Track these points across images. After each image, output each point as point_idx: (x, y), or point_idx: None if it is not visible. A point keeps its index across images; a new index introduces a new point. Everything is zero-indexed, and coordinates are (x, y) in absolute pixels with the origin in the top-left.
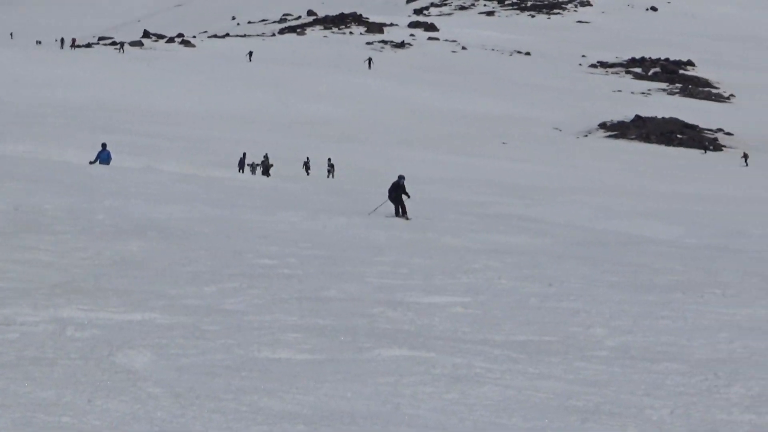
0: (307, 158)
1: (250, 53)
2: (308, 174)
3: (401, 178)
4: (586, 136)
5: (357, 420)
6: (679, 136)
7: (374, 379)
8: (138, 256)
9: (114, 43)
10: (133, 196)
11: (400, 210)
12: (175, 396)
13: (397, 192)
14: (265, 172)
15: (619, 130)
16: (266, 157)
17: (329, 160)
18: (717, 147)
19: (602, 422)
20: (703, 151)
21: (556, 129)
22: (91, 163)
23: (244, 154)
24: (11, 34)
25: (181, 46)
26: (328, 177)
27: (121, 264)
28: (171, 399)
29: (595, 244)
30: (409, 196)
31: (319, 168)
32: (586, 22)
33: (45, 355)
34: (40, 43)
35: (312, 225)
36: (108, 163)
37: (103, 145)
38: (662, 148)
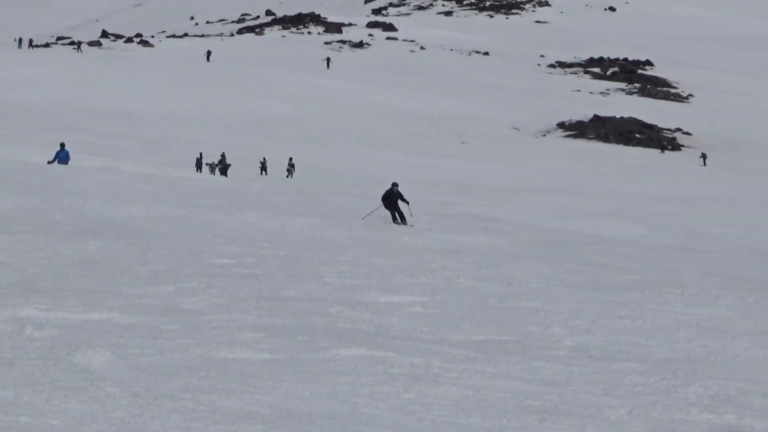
0: (264, 158)
1: (209, 53)
2: (265, 174)
3: (395, 185)
4: (545, 135)
5: (315, 420)
6: (637, 135)
7: (332, 378)
8: (96, 255)
9: (72, 43)
10: (91, 196)
11: (398, 217)
12: (134, 395)
13: (392, 200)
14: (223, 171)
15: (577, 129)
16: (223, 156)
17: (290, 159)
18: (675, 147)
19: (560, 422)
20: (660, 151)
21: (515, 129)
22: (49, 162)
23: (201, 154)
24: None
25: (140, 46)
26: (287, 177)
27: (79, 263)
28: (129, 398)
29: (555, 243)
30: (408, 202)
31: (279, 168)
32: (544, 22)
33: (3, 355)
34: None
35: (271, 225)
36: (66, 163)
37: (62, 145)
38: (621, 147)
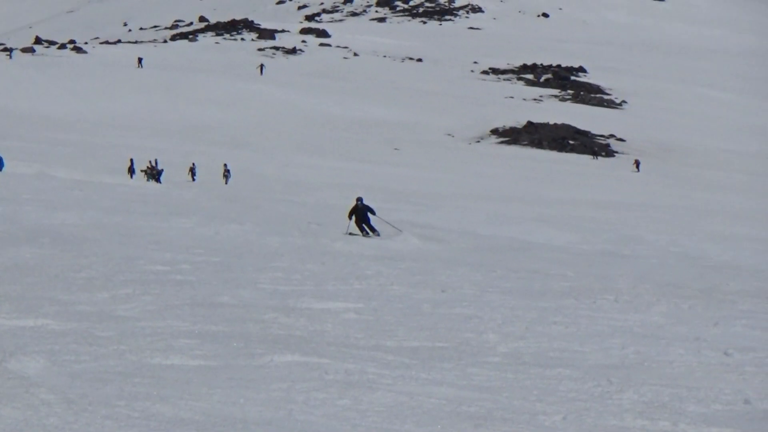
0: (193, 164)
1: (140, 59)
2: (194, 180)
3: (360, 200)
4: (479, 142)
5: (250, 426)
6: (571, 142)
7: (267, 385)
8: (30, 262)
9: (5, 49)
10: (25, 203)
11: (369, 230)
12: (68, 402)
13: (360, 215)
14: (156, 177)
15: (511, 136)
16: (155, 162)
17: (225, 165)
18: (609, 153)
19: (495, 428)
20: (593, 157)
21: (449, 135)
22: None
23: (132, 160)
24: None
25: (73, 52)
26: (226, 183)
27: (13, 270)
28: (64, 405)
29: (488, 250)
30: (375, 213)
31: (210, 173)
32: (477, 29)
33: None
34: None
35: (205, 231)
36: (0, 169)
37: None
38: (554, 153)
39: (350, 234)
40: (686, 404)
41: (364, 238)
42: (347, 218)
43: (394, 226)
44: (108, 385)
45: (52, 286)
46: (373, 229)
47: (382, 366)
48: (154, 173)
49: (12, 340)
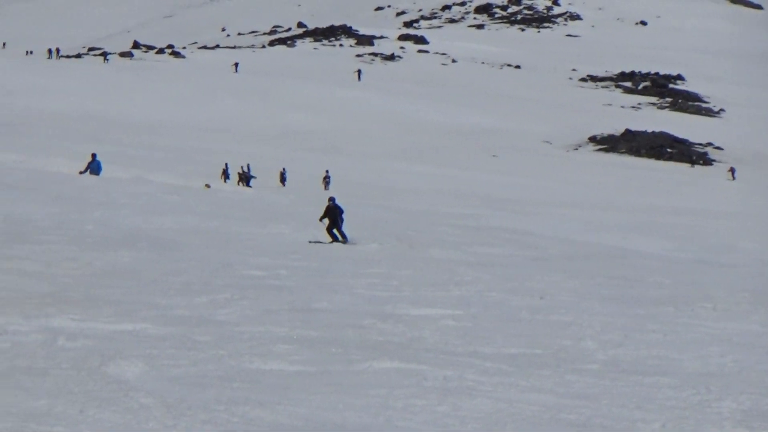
0: (283, 169)
1: (236, 64)
2: (284, 185)
3: (333, 200)
4: (576, 149)
5: None
6: (668, 150)
7: (366, 391)
8: (128, 266)
9: (102, 54)
10: (122, 207)
11: (339, 235)
12: (167, 406)
13: (334, 217)
14: (246, 182)
15: (608, 143)
16: (248, 167)
17: (326, 171)
18: (706, 161)
19: None
20: (690, 165)
21: (546, 142)
22: (81, 173)
23: (227, 165)
24: (3, 44)
25: (171, 57)
26: (326, 189)
27: (111, 274)
28: (162, 409)
29: (585, 257)
30: (342, 212)
31: (309, 179)
32: (576, 36)
33: (36, 365)
34: (31, 53)
35: (302, 236)
36: (98, 174)
37: (93, 155)
38: (652, 162)
39: (313, 242)
40: None
41: (462, 246)
42: (318, 221)
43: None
44: (207, 390)
45: (149, 290)
46: (344, 235)
47: (481, 373)
48: (245, 178)
49: (110, 345)
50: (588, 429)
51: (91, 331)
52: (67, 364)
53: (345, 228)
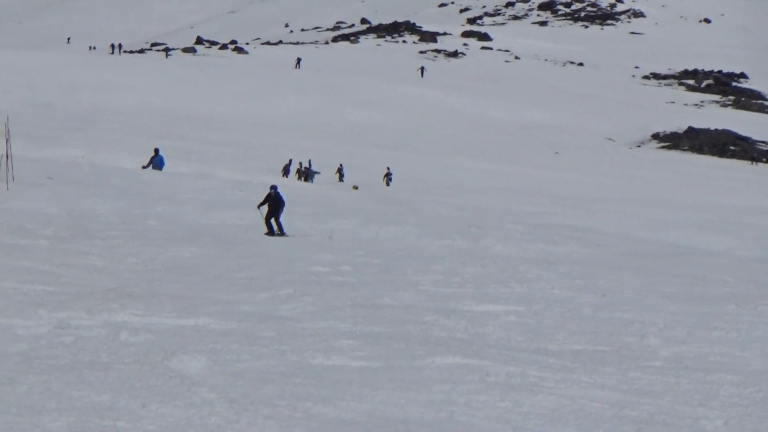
0: (341, 165)
1: (299, 60)
2: (341, 180)
3: (274, 188)
4: (639, 146)
5: (411, 428)
6: (731, 147)
7: (428, 386)
8: (191, 261)
9: (165, 50)
10: (186, 202)
11: (276, 226)
12: (230, 401)
13: (274, 206)
14: (306, 178)
15: (671, 141)
16: (309, 163)
17: (388, 168)
18: None
19: None
20: (751, 162)
21: (609, 139)
22: (144, 168)
23: (290, 161)
24: (68, 39)
25: (234, 52)
26: (387, 185)
27: (174, 269)
28: (225, 404)
29: (648, 255)
30: (283, 208)
31: (372, 175)
32: (639, 33)
33: (100, 360)
34: (94, 48)
35: (364, 233)
36: (161, 169)
37: (156, 150)
38: (715, 159)
39: (268, 234)
40: None
41: (525, 243)
42: (257, 208)
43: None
44: (269, 385)
45: (213, 286)
46: (281, 227)
47: (544, 369)
48: (305, 174)
49: (174, 340)
50: (651, 426)
51: (154, 326)
52: (130, 358)
53: (283, 220)
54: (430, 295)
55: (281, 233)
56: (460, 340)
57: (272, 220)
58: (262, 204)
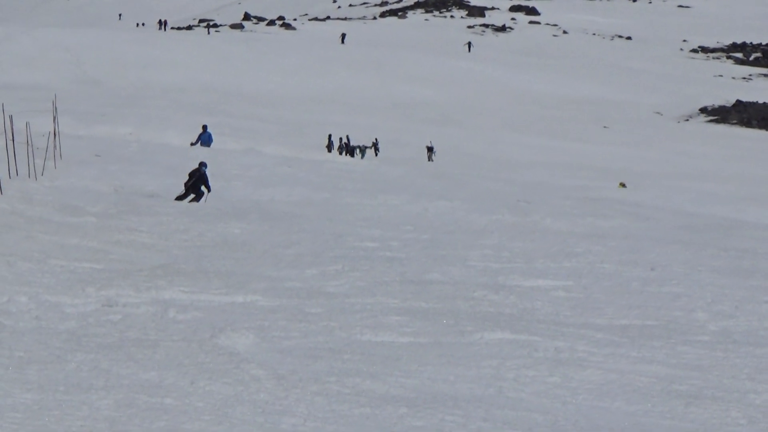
0: (375, 139)
1: (343, 35)
2: (376, 155)
3: (203, 165)
4: (687, 120)
5: (460, 403)
6: None
7: (477, 362)
8: (239, 238)
9: (214, 26)
10: (233, 179)
11: (190, 195)
12: (278, 378)
13: (196, 183)
14: (349, 153)
15: (720, 114)
16: (348, 138)
17: (430, 142)
18: None
19: (705, 406)
20: None
21: (657, 113)
22: (192, 144)
23: (330, 136)
24: (120, 15)
25: (282, 29)
26: (430, 160)
27: (222, 246)
28: (274, 381)
29: (697, 228)
30: (209, 190)
31: (419, 151)
32: (687, 7)
33: (147, 337)
34: (143, 24)
35: (413, 208)
36: (209, 145)
37: (204, 127)
38: (764, 133)
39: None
40: None
41: (574, 217)
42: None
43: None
44: (318, 362)
45: (261, 262)
46: (196, 199)
47: (592, 344)
48: (349, 149)
49: (222, 316)
50: (699, 400)
51: (202, 303)
52: (178, 335)
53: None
54: (479, 271)
55: (194, 200)
56: (508, 316)
57: (189, 194)
58: (189, 179)
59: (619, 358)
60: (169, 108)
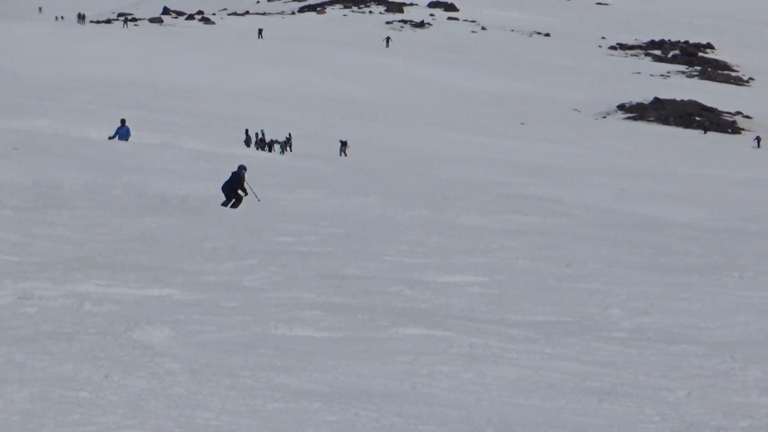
0: (289, 134)
1: (260, 30)
2: (290, 151)
3: (242, 168)
4: (605, 117)
5: (374, 399)
6: (697, 118)
7: (392, 357)
8: (156, 232)
9: (132, 20)
10: (151, 173)
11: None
12: (192, 372)
13: (233, 184)
14: (263, 148)
15: (638, 111)
16: (262, 133)
17: (341, 140)
18: (736, 130)
19: (619, 403)
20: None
21: (576, 110)
22: (110, 138)
23: (247, 131)
24: (40, 9)
25: (201, 23)
26: (340, 155)
27: (139, 240)
28: (188, 375)
29: (614, 225)
30: (246, 193)
31: (335, 147)
32: (605, 4)
33: (63, 330)
34: (62, 18)
35: (330, 203)
36: (127, 139)
37: (122, 121)
38: (681, 130)
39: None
40: None
41: (491, 213)
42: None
43: None
44: (232, 356)
45: (177, 256)
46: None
47: (507, 340)
48: (266, 144)
49: (137, 310)
50: (613, 397)
51: (118, 297)
52: (94, 329)
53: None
54: (395, 266)
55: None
56: (423, 311)
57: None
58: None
59: (534, 354)
60: (89, 102)
